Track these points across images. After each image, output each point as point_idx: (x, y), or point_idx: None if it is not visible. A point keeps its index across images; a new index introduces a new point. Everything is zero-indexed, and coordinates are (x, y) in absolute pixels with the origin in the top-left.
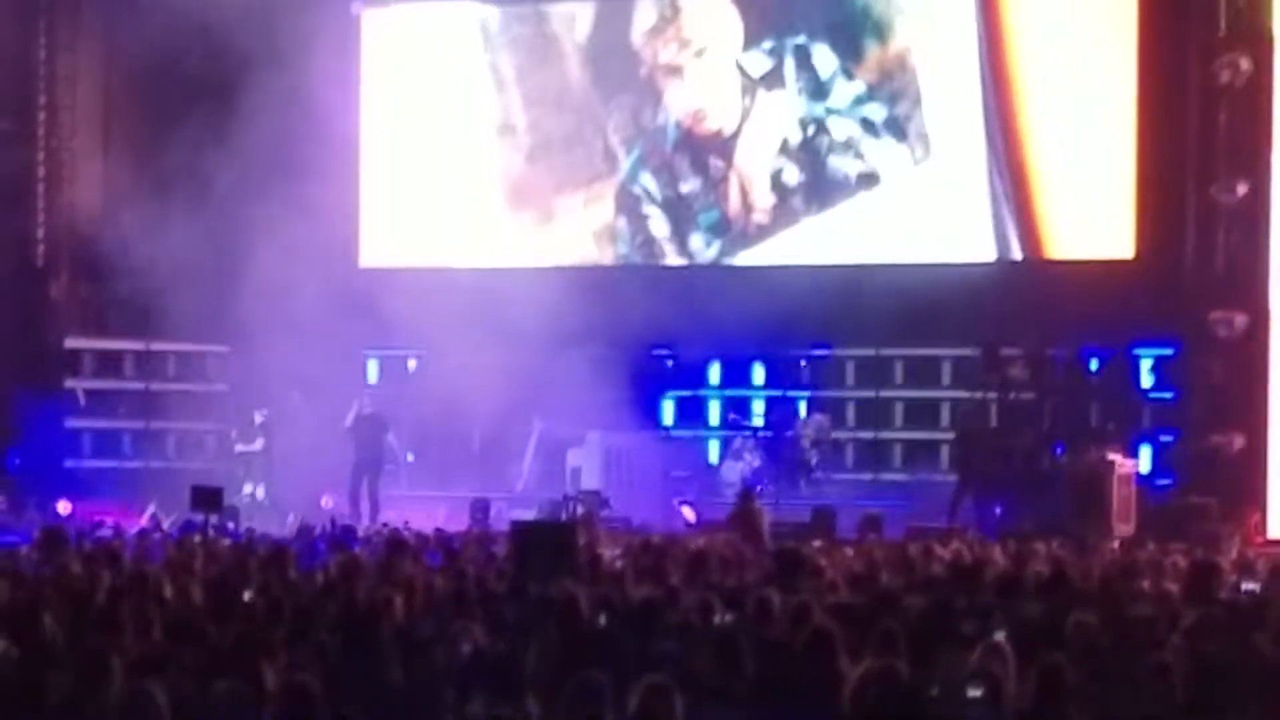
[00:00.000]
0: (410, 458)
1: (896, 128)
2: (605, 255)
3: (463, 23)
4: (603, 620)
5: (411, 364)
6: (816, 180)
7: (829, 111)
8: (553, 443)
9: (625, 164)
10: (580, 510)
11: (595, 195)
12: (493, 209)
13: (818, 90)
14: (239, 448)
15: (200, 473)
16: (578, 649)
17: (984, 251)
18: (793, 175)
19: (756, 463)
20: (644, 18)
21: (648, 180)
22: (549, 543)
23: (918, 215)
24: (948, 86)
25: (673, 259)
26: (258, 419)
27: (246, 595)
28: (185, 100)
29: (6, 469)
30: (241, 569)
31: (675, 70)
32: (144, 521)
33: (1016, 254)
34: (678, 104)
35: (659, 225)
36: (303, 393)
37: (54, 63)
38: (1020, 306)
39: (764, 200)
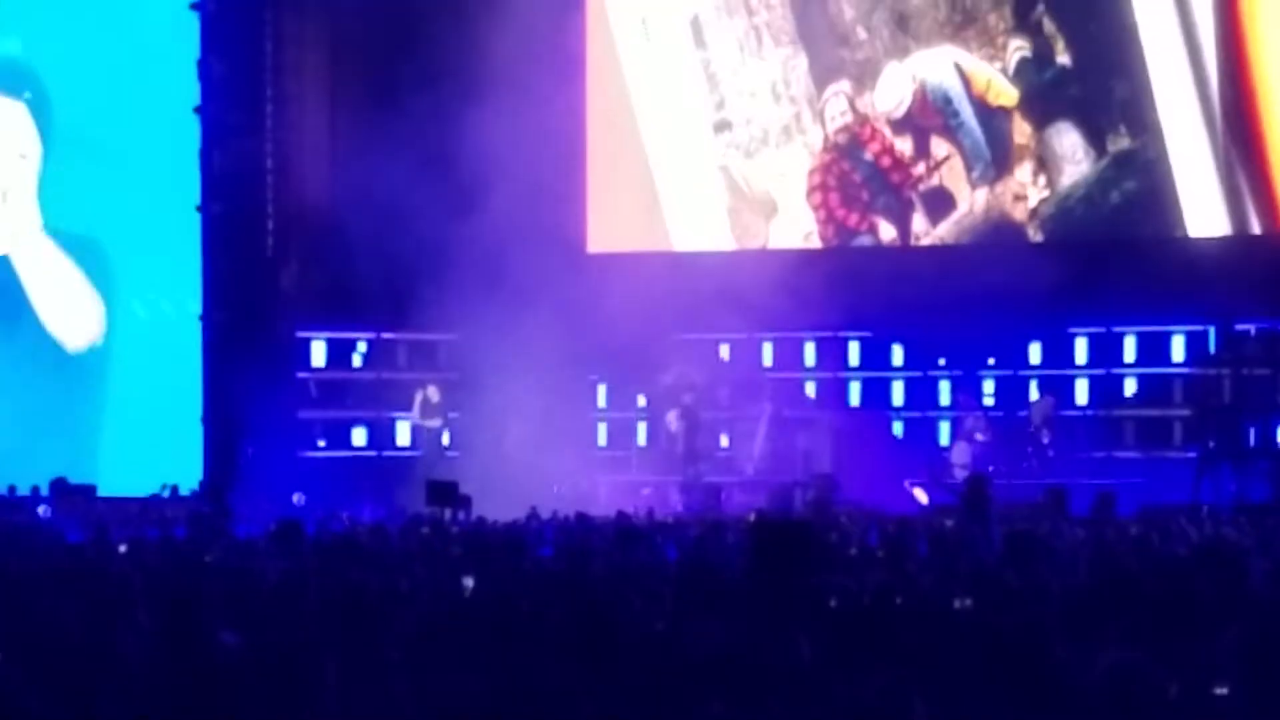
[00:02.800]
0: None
1: (1125, 101)
2: (829, 239)
3: (676, 17)
4: (832, 604)
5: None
6: (1043, 156)
7: (1053, 86)
8: (783, 425)
9: (846, 149)
10: (811, 494)
11: (817, 183)
12: (716, 202)
13: (1042, 64)
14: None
15: (430, 463)
16: (819, 642)
17: (1218, 226)
18: (1019, 152)
19: (987, 443)
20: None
21: (869, 165)
22: (791, 541)
23: (1148, 189)
24: (1179, 58)
25: (897, 240)
26: (435, 397)
27: (468, 582)
28: (411, 89)
29: (240, 460)
30: (471, 558)
31: (894, 51)
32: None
33: (1255, 228)
34: (897, 85)
35: (882, 207)
36: (535, 381)
37: (281, 54)
38: (1255, 280)
39: (988, 178)
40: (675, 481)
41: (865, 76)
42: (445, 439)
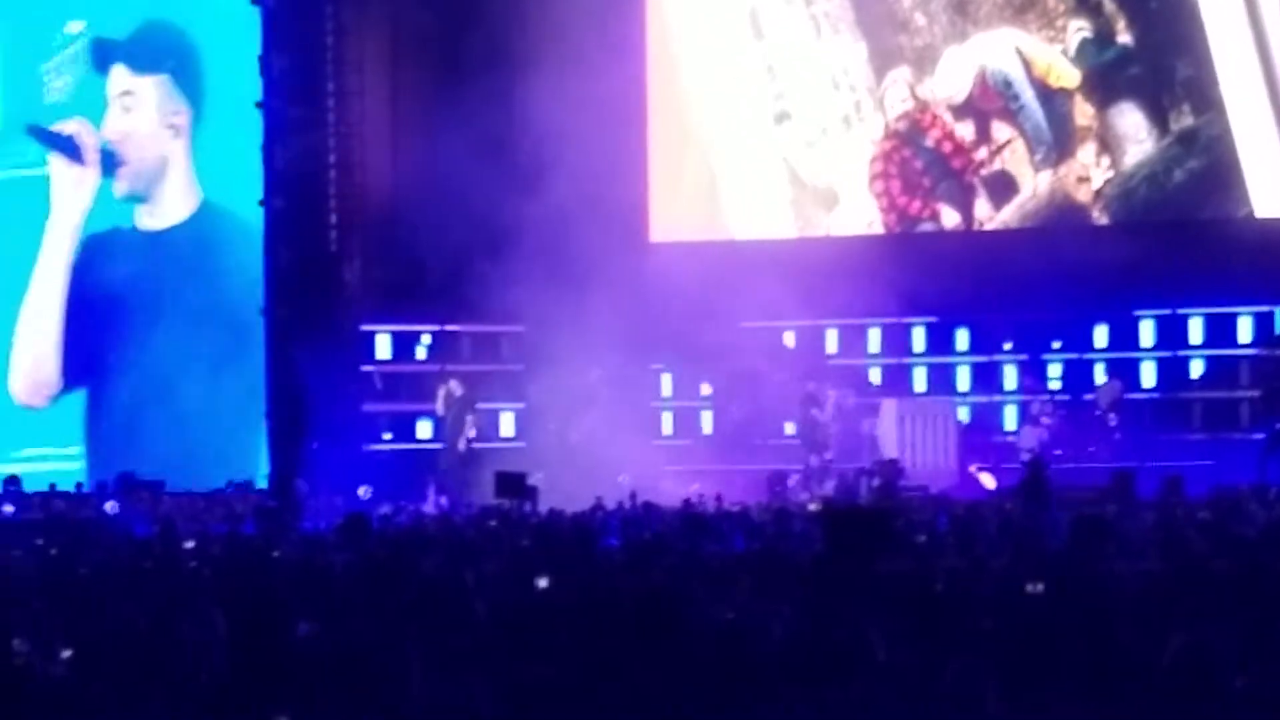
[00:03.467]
0: (471, 436)
1: (1188, 79)
2: (892, 227)
3: (734, 9)
4: (905, 590)
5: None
6: (1106, 137)
7: (1114, 65)
8: (850, 412)
9: (907, 136)
10: (877, 481)
11: (878, 171)
12: (778, 193)
13: (1103, 44)
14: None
15: (496, 455)
16: (892, 629)
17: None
18: (1081, 134)
19: (1054, 427)
20: None
21: (930, 151)
22: (864, 529)
23: (1213, 168)
24: (1242, 33)
25: (960, 226)
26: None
27: (542, 582)
28: (471, 80)
29: (306, 454)
30: (541, 550)
31: (953, 35)
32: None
33: None
34: (957, 70)
35: (944, 193)
36: (598, 370)
37: (341, 48)
38: None
39: (1051, 161)
40: (740, 470)
41: (925, 62)
42: (471, 432)
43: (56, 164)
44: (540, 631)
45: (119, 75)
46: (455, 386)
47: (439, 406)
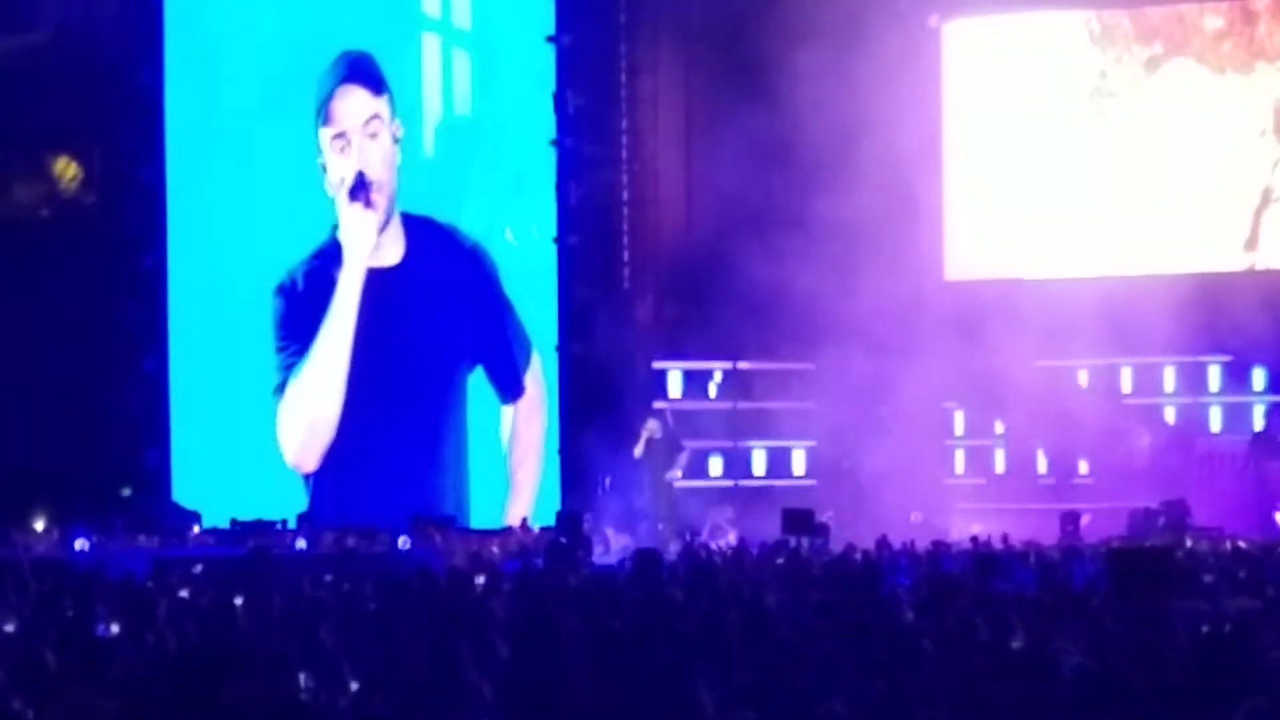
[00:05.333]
0: (676, 476)
1: None
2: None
3: (1048, 35)
4: (1204, 630)
5: None
6: None
7: None
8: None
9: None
10: (1164, 521)
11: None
12: (1091, 224)
13: None
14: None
15: (788, 492)
16: (1174, 666)
17: None
18: None
19: None
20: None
21: None
22: (1148, 568)
23: None
24: None
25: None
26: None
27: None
28: (766, 120)
29: (598, 490)
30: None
31: None
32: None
33: None
34: None
35: None
36: (891, 407)
37: (635, 86)
38: None
39: None
40: (1035, 509)
41: None
42: (677, 474)
43: (348, 214)
44: (826, 667)
45: (362, 97)
46: (655, 428)
47: (638, 449)
